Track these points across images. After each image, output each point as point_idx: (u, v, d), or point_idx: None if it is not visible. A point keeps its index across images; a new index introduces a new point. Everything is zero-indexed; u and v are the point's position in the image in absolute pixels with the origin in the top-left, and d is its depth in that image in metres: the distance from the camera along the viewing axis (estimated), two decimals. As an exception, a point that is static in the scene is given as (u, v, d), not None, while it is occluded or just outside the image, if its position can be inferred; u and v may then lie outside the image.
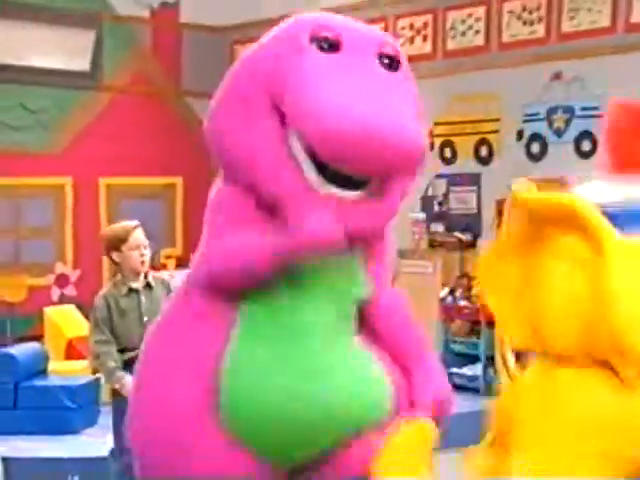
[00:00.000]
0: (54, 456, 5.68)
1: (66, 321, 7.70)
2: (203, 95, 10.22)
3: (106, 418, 6.29)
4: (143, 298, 4.29)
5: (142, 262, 4.26)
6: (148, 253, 4.30)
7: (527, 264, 2.48)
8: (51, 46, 9.28)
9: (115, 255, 4.27)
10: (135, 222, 4.33)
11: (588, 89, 6.96)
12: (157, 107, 10.08)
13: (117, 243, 4.23)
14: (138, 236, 4.28)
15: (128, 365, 4.26)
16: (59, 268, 9.58)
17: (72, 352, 7.38)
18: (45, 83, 9.30)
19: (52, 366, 6.71)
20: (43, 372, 6.52)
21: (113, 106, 9.81)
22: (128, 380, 4.04)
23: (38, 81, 9.24)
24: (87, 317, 8.03)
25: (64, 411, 6.17)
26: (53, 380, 6.45)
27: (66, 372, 6.78)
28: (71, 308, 8.06)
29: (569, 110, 7.10)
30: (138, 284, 4.30)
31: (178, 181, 10.17)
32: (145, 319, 4.23)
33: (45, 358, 6.63)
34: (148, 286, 4.32)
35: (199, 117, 10.32)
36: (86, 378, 6.60)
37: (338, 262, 2.25)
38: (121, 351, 4.28)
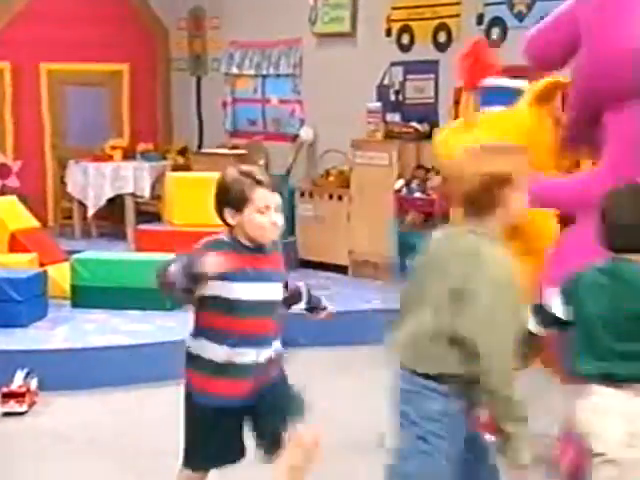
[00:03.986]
0: (3, 349, 5.57)
1: (9, 213, 7.43)
2: (152, -25, 9.84)
3: (54, 311, 6.22)
4: None
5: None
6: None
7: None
8: None
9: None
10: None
11: (551, -28, 6.78)
12: (102, -12, 9.69)
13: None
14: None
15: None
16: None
17: (16, 245, 7.14)
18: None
19: (-4, 259, 6.49)
20: (-14, 265, 6.30)
21: (55, -14, 9.39)
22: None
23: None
24: (30, 209, 7.85)
25: (11, 304, 6.00)
26: (-2, 273, 6.25)
27: (11, 264, 6.57)
28: (13, 200, 7.80)
29: (531, -7, 6.95)
30: None
31: (124, 68, 9.79)
32: None
33: (-12, 251, 6.45)
34: None
35: (147, 1, 9.96)
36: (32, 271, 6.43)
37: None
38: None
